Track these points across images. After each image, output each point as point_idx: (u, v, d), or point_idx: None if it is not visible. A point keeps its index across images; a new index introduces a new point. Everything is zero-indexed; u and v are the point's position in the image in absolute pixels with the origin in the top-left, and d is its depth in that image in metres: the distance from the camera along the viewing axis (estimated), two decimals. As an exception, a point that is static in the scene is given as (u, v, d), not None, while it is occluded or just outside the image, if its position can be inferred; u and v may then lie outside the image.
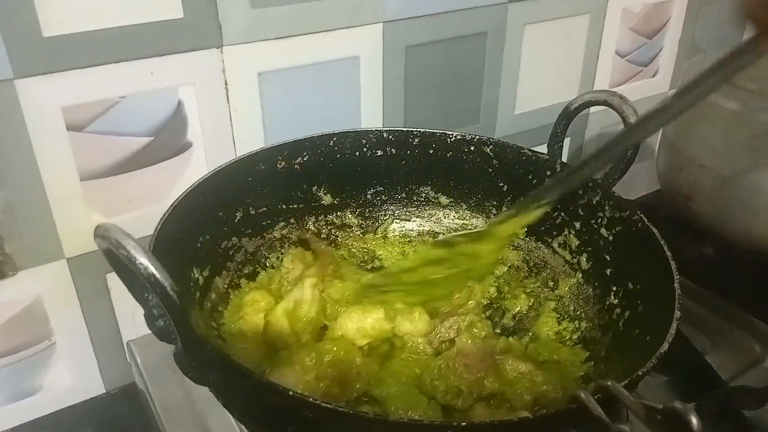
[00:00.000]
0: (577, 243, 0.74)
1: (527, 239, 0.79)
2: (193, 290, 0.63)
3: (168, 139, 0.76)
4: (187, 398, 0.70)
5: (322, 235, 0.79)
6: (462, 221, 0.81)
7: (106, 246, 0.44)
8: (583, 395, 0.45)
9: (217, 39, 0.74)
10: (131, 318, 0.82)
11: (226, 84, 0.77)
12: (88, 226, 0.74)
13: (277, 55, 0.79)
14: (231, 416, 0.66)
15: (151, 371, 0.73)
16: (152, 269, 0.42)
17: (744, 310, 0.83)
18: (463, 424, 0.41)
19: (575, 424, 0.46)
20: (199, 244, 0.66)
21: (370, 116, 0.90)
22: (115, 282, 0.79)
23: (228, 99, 0.78)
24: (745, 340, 0.80)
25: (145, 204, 0.77)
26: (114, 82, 0.70)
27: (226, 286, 0.70)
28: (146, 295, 0.48)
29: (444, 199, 0.83)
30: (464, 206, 0.82)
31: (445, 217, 0.82)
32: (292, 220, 0.77)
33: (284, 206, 0.76)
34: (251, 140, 0.81)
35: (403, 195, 0.83)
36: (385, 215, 0.83)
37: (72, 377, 0.81)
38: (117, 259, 0.44)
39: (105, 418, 0.81)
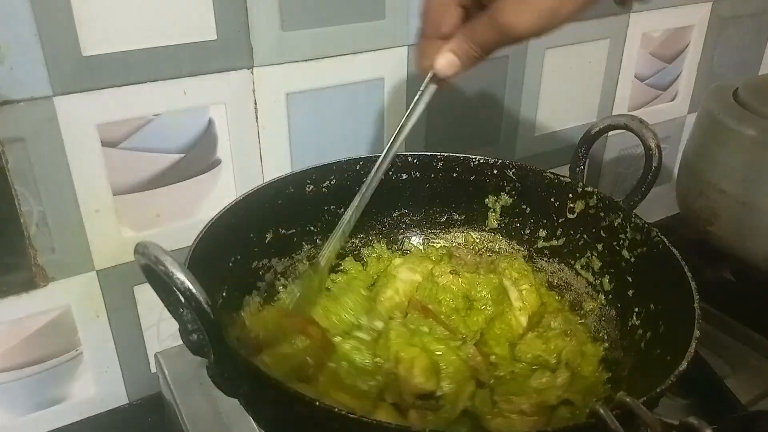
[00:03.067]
0: (600, 265, 0.74)
1: (550, 261, 0.80)
2: (224, 308, 0.64)
3: (198, 157, 0.78)
4: (213, 409, 0.71)
5: (347, 256, 0.81)
6: (484, 243, 0.82)
7: (145, 262, 0.45)
8: (602, 411, 0.46)
9: (249, 60, 0.76)
10: (156, 330, 0.83)
11: (255, 104, 0.79)
12: (118, 240, 0.76)
13: (305, 77, 0.81)
14: (256, 429, 0.67)
15: (179, 383, 0.75)
16: (188, 284, 0.44)
17: (763, 335, 0.83)
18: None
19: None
20: (230, 264, 0.67)
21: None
22: (141, 294, 0.80)
23: (257, 118, 0.80)
24: (764, 365, 0.80)
25: (173, 219, 0.79)
26: (148, 100, 0.72)
27: (258, 302, 0.71)
28: (181, 310, 0.50)
29: (467, 222, 0.84)
30: (487, 228, 0.83)
31: (467, 239, 0.83)
32: (318, 241, 0.78)
33: (312, 228, 0.77)
34: (278, 158, 0.83)
35: (428, 217, 0.84)
36: (408, 237, 0.84)
37: (97, 387, 0.82)
38: (155, 275, 0.45)
39: (128, 428, 0.83)
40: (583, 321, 0.74)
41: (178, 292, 0.45)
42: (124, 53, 0.69)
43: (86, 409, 0.83)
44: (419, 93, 0.62)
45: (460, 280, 0.75)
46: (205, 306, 0.44)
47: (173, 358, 0.77)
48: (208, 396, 0.72)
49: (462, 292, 0.74)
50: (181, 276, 0.44)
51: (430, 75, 0.60)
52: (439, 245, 0.83)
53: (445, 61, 0.58)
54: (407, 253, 0.82)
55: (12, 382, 0.77)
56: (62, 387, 0.80)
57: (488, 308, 0.72)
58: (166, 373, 0.75)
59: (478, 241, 0.82)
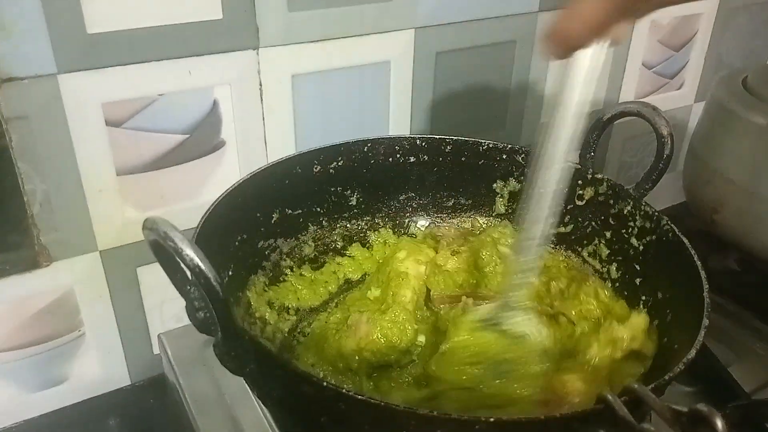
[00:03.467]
0: (608, 252, 0.74)
1: (558, 248, 0.79)
2: (230, 286, 0.64)
3: (202, 138, 0.77)
4: (217, 390, 0.71)
5: (353, 238, 0.81)
6: (491, 229, 0.81)
7: (153, 237, 0.45)
8: (609, 396, 0.46)
9: (254, 41, 0.75)
10: (159, 311, 0.83)
11: (260, 85, 0.78)
12: (121, 220, 0.76)
13: (310, 58, 0.80)
14: (259, 408, 0.67)
15: (182, 364, 0.74)
16: (197, 260, 0.43)
17: (766, 324, 0.83)
18: (491, 419, 0.42)
19: (602, 424, 0.46)
20: (237, 243, 0.67)
21: (398, 120, 0.91)
22: (144, 275, 0.80)
23: (262, 99, 0.79)
24: (768, 353, 0.80)
25: (177, 200, 0.79)
26: (153, 79, 0.71)
27: (264, 282, 0.71)
28: (188, 287, 0.49)
29: (474, 206, 0.83)
30: (494, 214, 0.83)
31: (474, 224, 0.83)
32: (324, 223, 0.78)
33: (318, 209, 0.77)
34: (283, 140, 0.83)
35: (434, 201, 0.83)
36: (415, 220, 0.84)
37: (99, 368, 0.82)
38: (163, 251, 0.45)
39: (130, 409, 0.83)
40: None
41: (186, 269, 0.44)
42: (129, 31, 0.68)
43: (89, 390, 0.83)
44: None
45: (464, 256, 0.75)
46: (215, 283, 0.44)
47: (176, 339, 0.77)
48: (211, 377, 0.72)
49: (471, 265, 0.74)
50: (190, 252, 0.44)
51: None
52: (425, 228, 0.83)
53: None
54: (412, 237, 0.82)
55: (15, 362, 0.76)
56: (65, 367, 0.80)
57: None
58: (170, 354, 0.75)
59: (484, 226, 0.82)
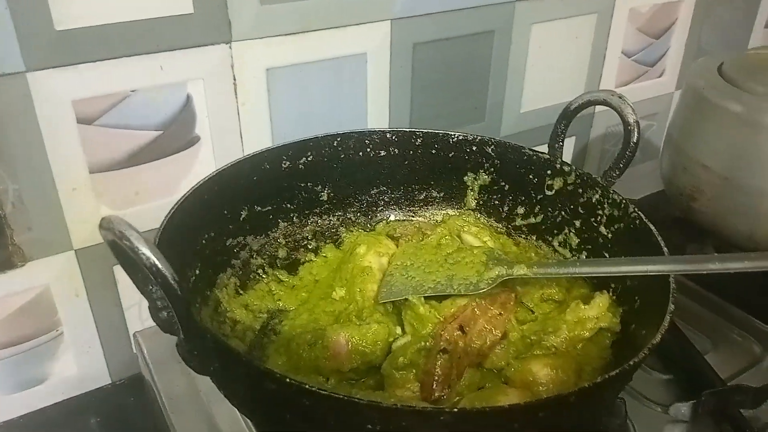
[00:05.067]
0: (577, 241, 0.74)
1: (528, 238, 0.79)
2: (197, 285, 0.64)
3: (176, 134, 0.77)
4: (193, 389, 0.71)
5: (325, 234, 0.80)
6: (465, 220, 0.81)
7: (111, 237, 0.45)
8: None
9: (227, 34, 0.75)
10: (138, 309, 0.83)
11: (234, 79, 0.78)
12: (96, 218, 0.74)
13: (285, 51, 0.80)
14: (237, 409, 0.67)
15: (157, 362, 0.74)
16: (154, 259, 0.43)
17: (744, 311, 0.83)
18: (455, 410, 0.42)
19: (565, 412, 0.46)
20: (204, 241, 0.67)
21: (377, 113, 0.91)
22: (122, 274, 0.77)
23: (236, 94, 0.79)
24: (745, 340, 0.80)
25: (152, 197, 0.78)
26: (124, 75, 0.71)
27: (234, 282, 0.71)
28: (150, 287, 0.49)
29: (446, 199, 0.83)
30: (465, 207, 0.83)
31: (447, 217, 0.83)
32: (295, 219, 0.78)
33: (288, 205, 0.77)
34: (259, 135, 0.82)
35: (406, 195, 0.83)
36: (388, 215, 0.83)
37: (78, 367, 0.82)
38: (121, 251, 0.45)
39: (110, 408, 0.82)
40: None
41: (144, 268, 0.44)
42: (98, 27, 0.67)
43: (69, 389, 0.82)
44: None
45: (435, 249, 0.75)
46: (172, 281, 0.44)
47: (152, 338, 0.77)
48: (187, 376, 0.71)
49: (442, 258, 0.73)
50: (146, 251, 0.43)
51: None
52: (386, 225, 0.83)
53: None
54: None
55: (-8, 363, 0.76)
56: (44, 367, 0.80)
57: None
58: (145, 352, 0.75)
59: (457, 217, 0.82)
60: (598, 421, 0.61)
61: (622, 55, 1.13)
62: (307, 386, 0.45)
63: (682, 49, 1.21)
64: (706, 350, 0.78)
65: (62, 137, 0.70)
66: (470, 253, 0.70)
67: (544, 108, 1.07)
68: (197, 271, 0.64)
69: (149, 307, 0.50)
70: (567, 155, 1.15)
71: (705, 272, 0.56)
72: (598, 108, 1.13)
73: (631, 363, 0.48)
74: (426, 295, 0.68)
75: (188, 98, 0.76)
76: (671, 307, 0.53)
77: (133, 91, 0.72)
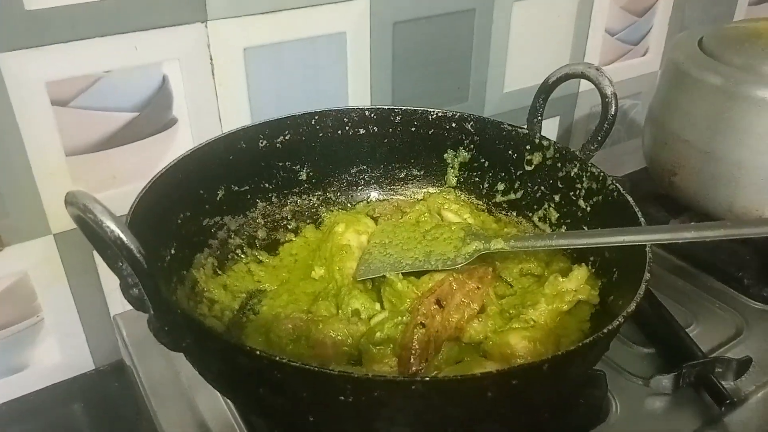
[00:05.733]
0: (557, 216, 0.74)
1: (508, 214, 0.79)
2: (172, 265, 0.63)
3: (153, 115, 0.76)
4: (173, 373, 0.70)
5: (305, 213, 0.80)
6: (445, 197, 0.81)
7: (76, 213, 0.44)
8: None
9: (202, 13, 0.74)
10: (120, 294, 0.81)
11: (211, 59, 0.77)
12: (73, 202, 0.74)
13: (262, 31, 0.79)
14: (216, 391, 0.66)
15: (137, 346, 0.74)
16: (119, 232, 0.42)
17: (726, 285, 0.84)
18: (426, 378, 0.42)
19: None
20: (179, 221, 0.66)
21: (358, 93, 0.90)
22: (102, 258, 0.79)
23: (213, 75, 0.78)
24: (727, 314, 0.80)
25: (130, 180, 0.78)
26: (98, 56, 0.70)
27: (212, 263, 0.70)
28: (119, 263, 0.49)
29: (426, 177, 0.83)
30: (446, 185, 0.82)
31: (428, 195, 0.83)
32: (274, 199, 0.77)
33: (266, 185, 0.76)
34: (237, 116, 0.81)
35: (386, 173, 0.83)
36: (368, 194, 0.83)
37: (60, 353, 0.81)
38: (87, 226, 0.44)
39: (94, 395, 0.82)
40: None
41: (109, 243, 0.44)
42: (69, 7, 0.66)
43: (51, 376, 0.82)
44: None
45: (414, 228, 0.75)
46: (137, 254, 0.43)
47: (132, 321, 0.76)
48: (168, 361, 0.71)
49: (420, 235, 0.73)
50: (111, 224, 0.43)
51: None
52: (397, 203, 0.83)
53: None
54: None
55: (-28, 351, 0.76)
56: (25, 354, 0.79)
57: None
58: (125, 336, 0.75)
59: (437, 195, 0.82)
60: (579, 393, 0.61)
61: (606, 34, 1.13)
62: (278, 359, 0.45)
63: (665, 28, 1.20)
64: (688, 324, 0.78)
65: (37, 120, 0.69)
66: (448, 230, 0.70)
67: (527, 87, 1.06)
68: (172, 251, 0.63)
69: (120, 285, 0.50)
70: (551, 135, 1.15)
71: (681, 241, 0.56)
72: (582, 87, 1.13)
73: (605, 331, 0.48)
74: (404, 271, 0.67)
75: (164, 79, 0.75)
76: (647, 275, 0.53)
77: (107, 72, 0.71)
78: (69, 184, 0.73)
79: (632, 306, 0.50)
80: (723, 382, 0.68)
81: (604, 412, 0.65)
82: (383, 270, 0.68)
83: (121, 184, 0.77)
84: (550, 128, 1.14)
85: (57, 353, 0.81)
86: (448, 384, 0.44)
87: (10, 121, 0.67)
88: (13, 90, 0.66)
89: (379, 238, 0.73)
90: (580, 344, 0.47)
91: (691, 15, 1.22)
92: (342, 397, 0.45)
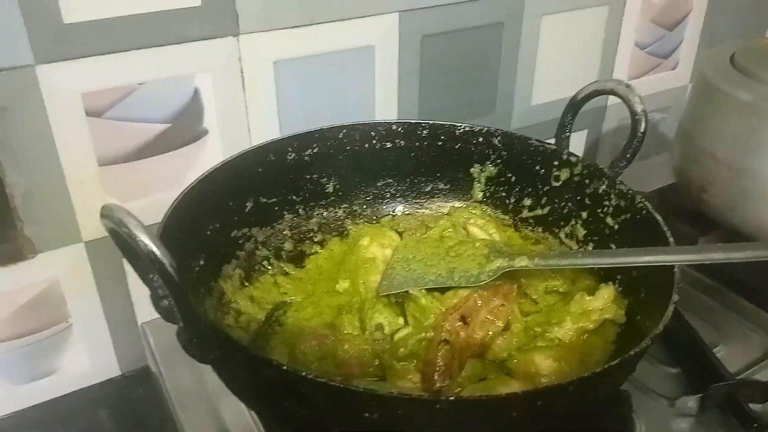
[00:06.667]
0: (584, 233, 0.74)
1: (535, 230, 0.79)
2: (201, 276, 0.64)
3: (184, 127, 0.77)
4: (199, 382, 0.71)
5: (331, 226, 0.80)
6: (471, 212, 0.81)
7: (110, 225, 0.45)
8: None
9: (234, 27, 0.75)
10: (147, 302, 0.82)
11: (242, 72, 0.78)
12: (105, 211, 0.76)
13: (292, 44, 0.80)
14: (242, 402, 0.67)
15: (164, 354, 0.75)
16: (152, 246, 0.43)
17: (754, 305, 0.83)
18: (451, 398, 0.42)
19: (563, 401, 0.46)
20: (208, 232, 0.67)
21: (385, 106, 0.90)
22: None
23: (244, 87, 0.79)
24: (755, 334, 0.79)
25: (160, 190, 0.79)
26: (132, 68, 0.71)
27: (239, 274, 0.71)
28: (151, 276, 0.49)
29: (452, 191, 0.83)
30: (472, 199, 0.83)
31: (453, 209, 0.83)
32: (301, 211, 0.78)
33: (294, 197, 0.77)
34: (266, 128, 0.82)
35: (412, 187, 0.83)
36: (394, 207, 0.83)
37: (88, 359, 0.83)
38: (121, 239, 0.45)
39: (120, 401, 0.83)
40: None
41: (142, 256, 0.44)
42: (106, 20, 0.68)
43: (79, 381, 0.83)
44: None
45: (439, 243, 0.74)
46: (169, 268, 0.44)
47: (159, 329, 0.77)
48: (194, 369, 0.71)
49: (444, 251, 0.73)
50: (144, 239, 0.44)
51: None
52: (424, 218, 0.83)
53: None
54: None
55: (2, 354, 0.77)
56: (53, 359, 0.81)
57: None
58: (152, 344, 0.76)
59: (463, 209, 0.82)
60: (602, 413, 0.60)
61: (635, 47, 1.12)
62: (303, 374, 0.45)
63: (696, 41, 1.19)
64: (715, 344, 0.77)
65: (71, 130, 0.70)
66: (472, 246, 0.70)
67: (555, 101, 1.06)
68: (201, 262, 0.64)
69: (150, 296, 0.51)
70: (579, 149, 1.14)
71: (708, 262, 0.55)
72: (610, 101, 1.12)
73: (632, 353, 0.48)
74: (427, 287, 0.68)
75: (196, 91, 0.76)
76: (675, 297, 0.53)
77: (141, 84, 0.72)
78: (101, 193, 0.75)
79: (660, 328, 0.49)
80: (750, 405, 0.67)
81: (628, 432, 0.65)
82: (406, 285, 0.68)
83: (152, 193, 0.78)
84: (577, 142, 1.13)
85: (84, 359, 0.82)
86: (472, 404, 0.45)
87: (45, 131, 0.69)
88: (50, 100, 0.68)
89: (402, 253, 0.73)
90: (607, 366, 0.46)
91: (722, 29, 1.20)
92: (367, 414, 0.45)
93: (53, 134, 0.69)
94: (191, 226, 0.63)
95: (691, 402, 0.67)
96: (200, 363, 0.51)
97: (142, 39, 0.70)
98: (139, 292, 0.82)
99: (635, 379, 0.70)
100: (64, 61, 0.67)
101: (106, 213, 0.45)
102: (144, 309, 0.83)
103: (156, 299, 0.50)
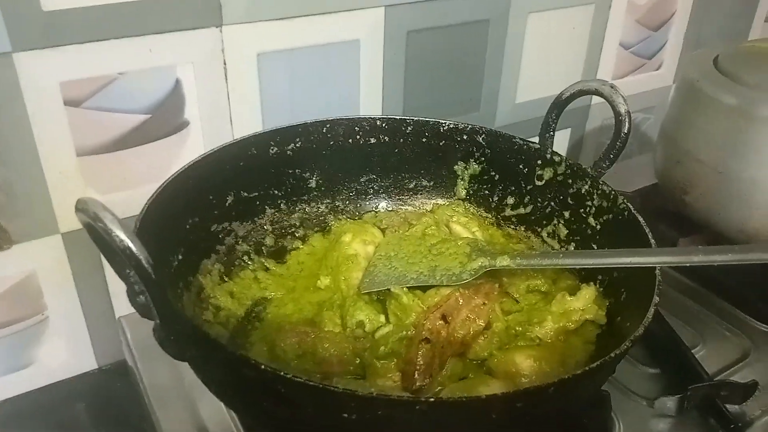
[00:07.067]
0: (566, 232, 0.74)
1: (517, 229, 0.79)
2: (179, 270, 0.63)
3: (165, 118, 0.76)
4: (177, 378, 0.70)
5: (313, 221, 0.79)
6: (454, 210, 0.81)
7: (86, 220, 0.44)
8: None
9: (217, 18, 0.74)
10: (125, 295, 0.82)
11: (225, 64, 0.77)
12: (83, 202, 0.74)
13: (277, 36, 0.79)
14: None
15: (141, 349, 0.74)
16: (128, 242, 0.42)
17: (734, 306, 0.83)
18: (431, 399, 0.42)
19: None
20: (188, 226, 0.66)
21: (369, 101, 0.90)
22: (109, 259, 0.79)
23: (226, 79, 0.78)
24: (734, 335, 0.80)
25: (141, 182, 0.78)
26: (112, 58, 0.70)
27: (218, 269, 0.70)
28: (127, 271, 0.49)
29: (436, 188, 0.83)
30: (455, 197, 0.82)
31: (436, 206, 0.82)
32: (282, 206, 0.77)
33: (276, 192, 0.76)
34: (249, 121, 0.81)
35: (396, 183, 0.83)
36: (377, 203, 0.83)
37: (64, 352, 0.82)
38: (96, 233, 0.44)
39: (97, 394, 0.82)
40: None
41: (118, 251, 0.44)
42: (86, 8, 0.66)
43: (55, 374, 0.82)
44: None
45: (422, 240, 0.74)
46: (146, 265, 0.43)
47: (137, 324, 0.76)
48: (171, 365, 0.69)
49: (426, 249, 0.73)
50: (120, 234, 0.43)
51: None
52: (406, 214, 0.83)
53: None
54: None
55: (-23, 346, 0.76)
56: (30, 351, 0.79)
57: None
58: (129, 338, 0.75)
59: (446, 207, 0.81)
60: (582, 414, 0.61)
61: (620, 47, 1.12)
62: (281, 373, 0.45)
63: (680, 42, 1.20)
64: (695, 345, 0.77)
65: (50, 119, 0.69)
66: (454, 245, 0.70)
67: (539, 99, 1.06)
68: (180, 257, 0.63)
69: (127, 291, 0.50)
70: (562, 148, 1.15)
71: (689, 264, 0.55)
72: (594, 100, 1.12)
73: (613, 355, 0.48)
74: (408, 285, 0.67)
75: (177, 82, 0.75)
76: (656, 299, 0.53)
77: (121, 73, 0.71)
78: (79, 184, 0.73)
79: (640, 330, 0.49)
80: (728, 406, 0.67)
81: (608, 432, 0.65)
82: (388, 283, 0.68)
83: (131, 185, 0.77)
84: (561, 140, 1.13)
85: (61, 352, 0.81)
86: (452, 405, 0.44)
87: (23, 120, 0.67)
88: (28, 89, 0.67)
89: (385, 250, 0.73)
90: (587, 368, 0.46)
91: (706, 30, 1.21)
92: (345, 414, 0.45)
93: (31, 123, 0.68)
94: (170, 220, 0.62)
95: (670, 402, 0.67)
96: (177, 360, 0.51)
97: (123, 28, 0.69)
98: (117, 285, 0.80)
99: (615, 379, 0.71)
100: (43, 49, 0.66)
101: (82, 207, 0.44)
102: (122, 302, 0.82)
103: (132, 295, 0.50)
